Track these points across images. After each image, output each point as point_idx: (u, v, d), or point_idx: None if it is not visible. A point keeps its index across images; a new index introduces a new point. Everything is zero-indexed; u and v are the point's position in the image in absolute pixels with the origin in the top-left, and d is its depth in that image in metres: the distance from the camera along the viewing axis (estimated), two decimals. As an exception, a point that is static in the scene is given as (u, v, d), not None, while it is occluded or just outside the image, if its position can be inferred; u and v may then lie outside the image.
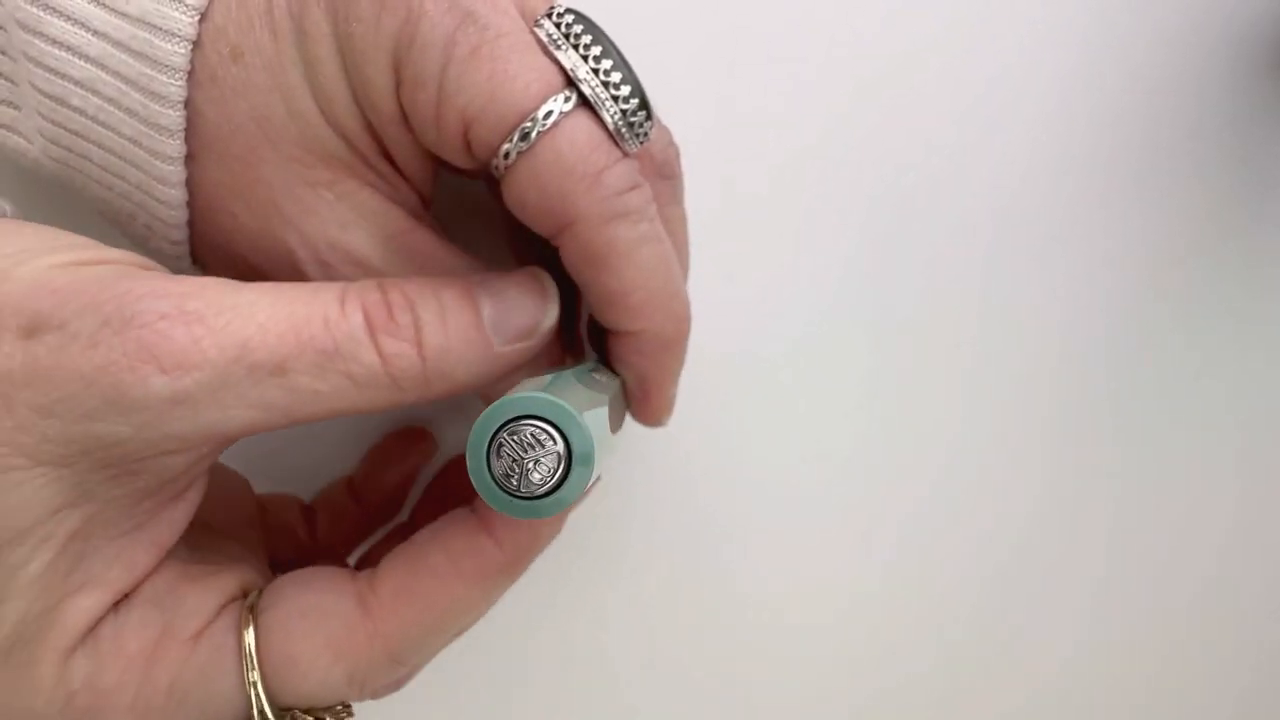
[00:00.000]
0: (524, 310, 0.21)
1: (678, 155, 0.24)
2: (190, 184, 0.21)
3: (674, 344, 0.22)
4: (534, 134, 0.19)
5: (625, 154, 0.20)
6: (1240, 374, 0.32)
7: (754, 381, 0.30)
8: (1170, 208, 0.30)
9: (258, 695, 0.19)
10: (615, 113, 0.20)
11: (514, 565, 0.21)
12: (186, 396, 0.17)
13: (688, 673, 0.31)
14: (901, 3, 0.29)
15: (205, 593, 0.20)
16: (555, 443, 0.17)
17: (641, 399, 0.23)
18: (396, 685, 0.23)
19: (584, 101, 0.20)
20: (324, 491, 0.28)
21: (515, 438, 0.17)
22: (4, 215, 0.20)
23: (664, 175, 0.23)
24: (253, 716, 0.19)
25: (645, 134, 0.20)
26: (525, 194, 0.20)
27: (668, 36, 0.28)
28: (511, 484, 0.17)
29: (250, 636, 0.19)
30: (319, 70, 0.20)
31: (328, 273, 0.21)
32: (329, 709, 0.20)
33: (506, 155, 0.19)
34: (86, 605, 0.18)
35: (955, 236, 0.30)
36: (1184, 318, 0.31)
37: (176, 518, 0.19)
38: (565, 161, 0.19)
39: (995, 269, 0.30)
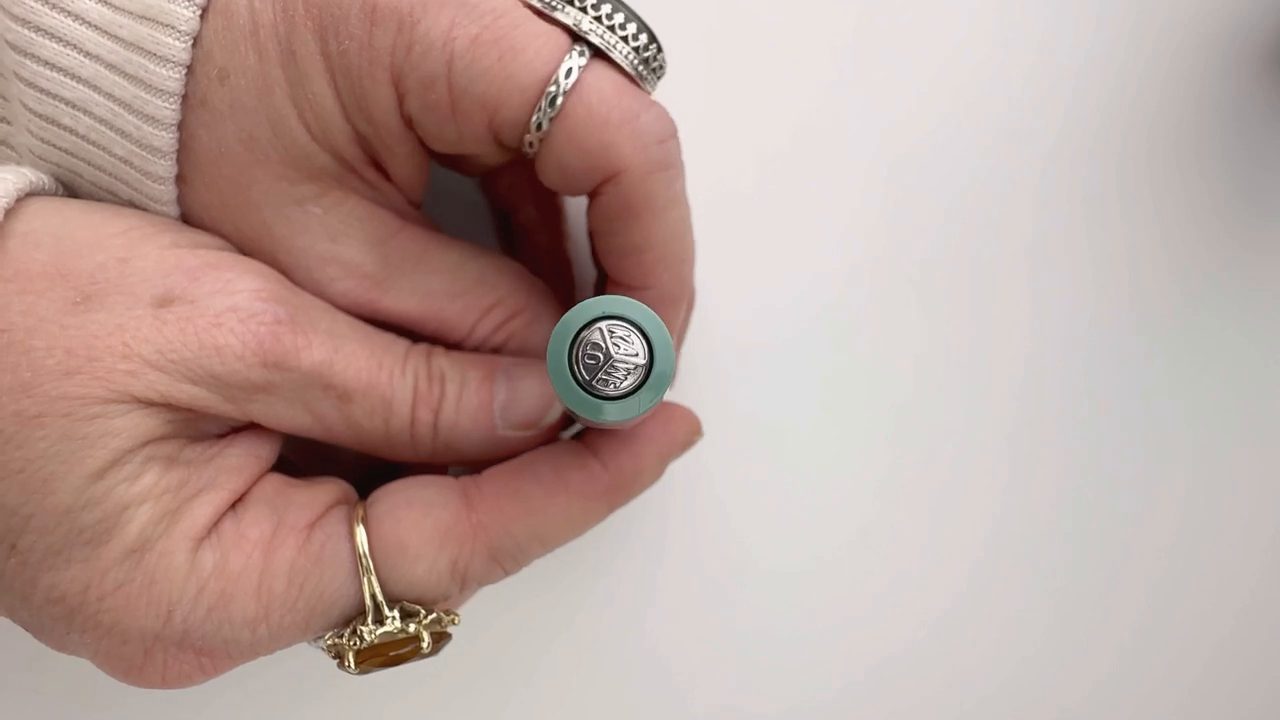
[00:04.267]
0: (532, 402, 0.22)
1: (675, 133, 0.23)
2: (180, 204, 0.21)
3: (675, 305, 0.23)
4: (559, 97, 0.19)
5: (649, 95, 0.21)
6: (1240, 373, 0.32)
7: (758, 376, 0.30)
8: (1170, 207, 0.30)
9: (370, 580, 0.20)
10: (629, 53, 0.20)
11: (616, 491, 0.22)
12: (273, 389, 0.20)
13: (692, 668, 0.31)
14: (905, 1, 0.29)
15: (313, 493, 0.21)
16: (639, 350, 0.17)
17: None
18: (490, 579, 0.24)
19: (597, 52, 0.20)
20: None
21: (607, 333, 0.17)
22: (49, 192, 0.21)
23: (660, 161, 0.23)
24: (366, 602, 0.20)
25: (662, 67, 0.21)
26: (567, 159, 0.20)
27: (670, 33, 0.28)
28: (587, 377, 0.17)
29: (360, 526, 0.20)
30: (306, 89, 0.20)
31: (323, 288, 0.21)
32: (436, 606, 0.21)
33: (539, 127, 0.19)
34: (206, 506, 0.19)
35: (955, 236, 0.30)
36: (1184, 317, 0.31)
37: (267, 435, 0.21)
38: (599, 114, 0.20)
39: (995, 269, 0.30)
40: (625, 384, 0.17)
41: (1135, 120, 0.30)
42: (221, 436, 0.20)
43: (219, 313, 0.19)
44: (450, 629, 0.21)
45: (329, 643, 0.20)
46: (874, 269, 0.30)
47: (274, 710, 0.29)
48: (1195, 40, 0.29)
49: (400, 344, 0.22)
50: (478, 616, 0.30)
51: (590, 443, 0.22)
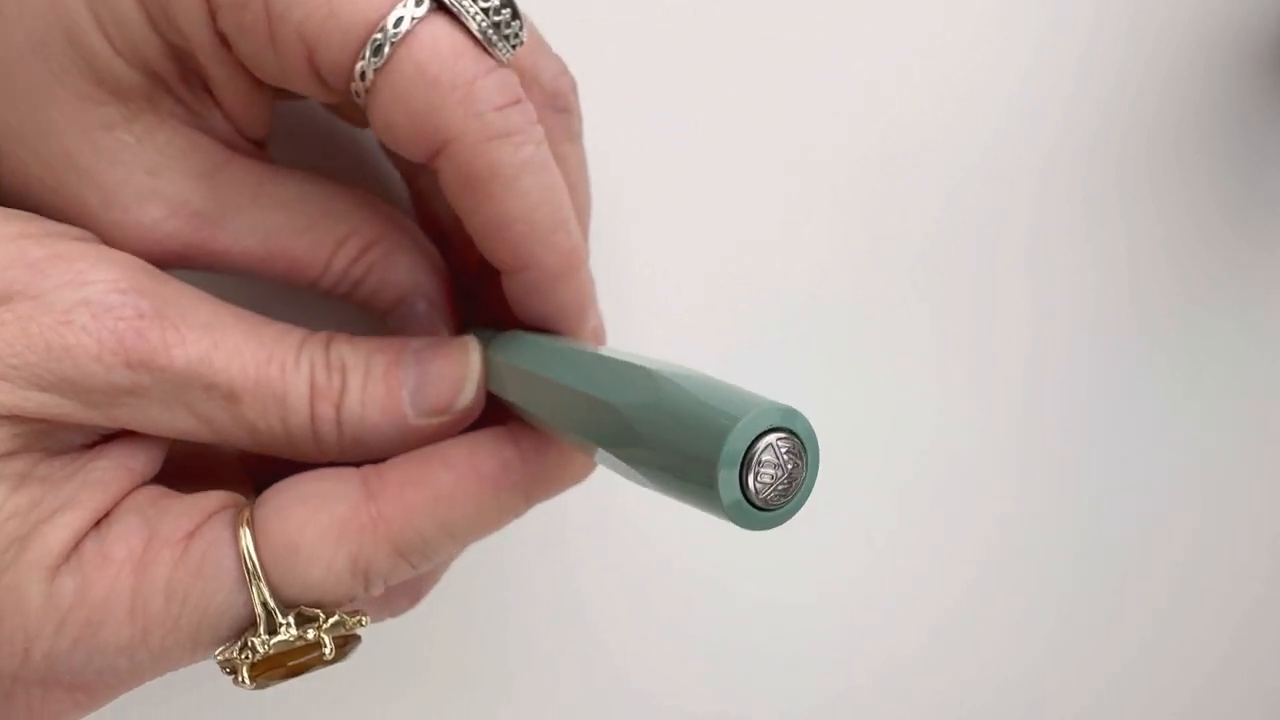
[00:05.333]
0: (445, 384, 0.20)
1: (574, 87, 0.22)
2: None
3: (563, 279, 0.20)
4: (386, 46, 0.17)
5: (499, 63, 0.19)
6: (1240, 372, 0.32)
7: (756, 376, 0.30)
8: (1170, 206, 0.30)
9: (259, 587, 0.18)
10: (476, 13, 0.18)
11: (534, 483, 0.20)
12: (142, 391, 0.18)
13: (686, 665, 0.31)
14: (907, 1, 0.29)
15: (192, 501, 0.19)
16: (804, 467, 0.15)
17: (564, 328, 0.22)
18: (411, 598, 0.22)
19: (440, 6, 0.18)
20: None
21: (780, 450, 0.15)
22: None
23: (557, 108, 0.21)
24: (256, 611, 0.18)
25: (516, 37, 0.19)
26: (393, 118, 0.18)
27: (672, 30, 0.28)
28: (761, 496, 0.15)
29: (246, 529, 0.19)
30: None
31: (146, 232, 0.19)
32: (339, 608, 0.19)
33: (362, 75, 0.18)
34: (61, 530, 0.18)
35: (954, 235, 0.30)
36: (1183, 315, 0.31)
37: (143, 443, 0.19)
38: (429, 73, 0.18)
39: (994, 269, 0.30)
40: (790, 501, 0.15)
41: (1135, 120, 0.30)
42: (90, 447, 0.19)
43: (67, 309, 0.17)
44: (359, 630, 0.20)
45: (220, 658, 0.19)
46: (874, 269, 0.30)
47: (274, 710, 0.29)
48: (1195, 40, 0.29)
49: (294, 333, 0.20)
50: (481, 618, 0.30)
51: (513, 430, 0.20)
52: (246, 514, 0.19)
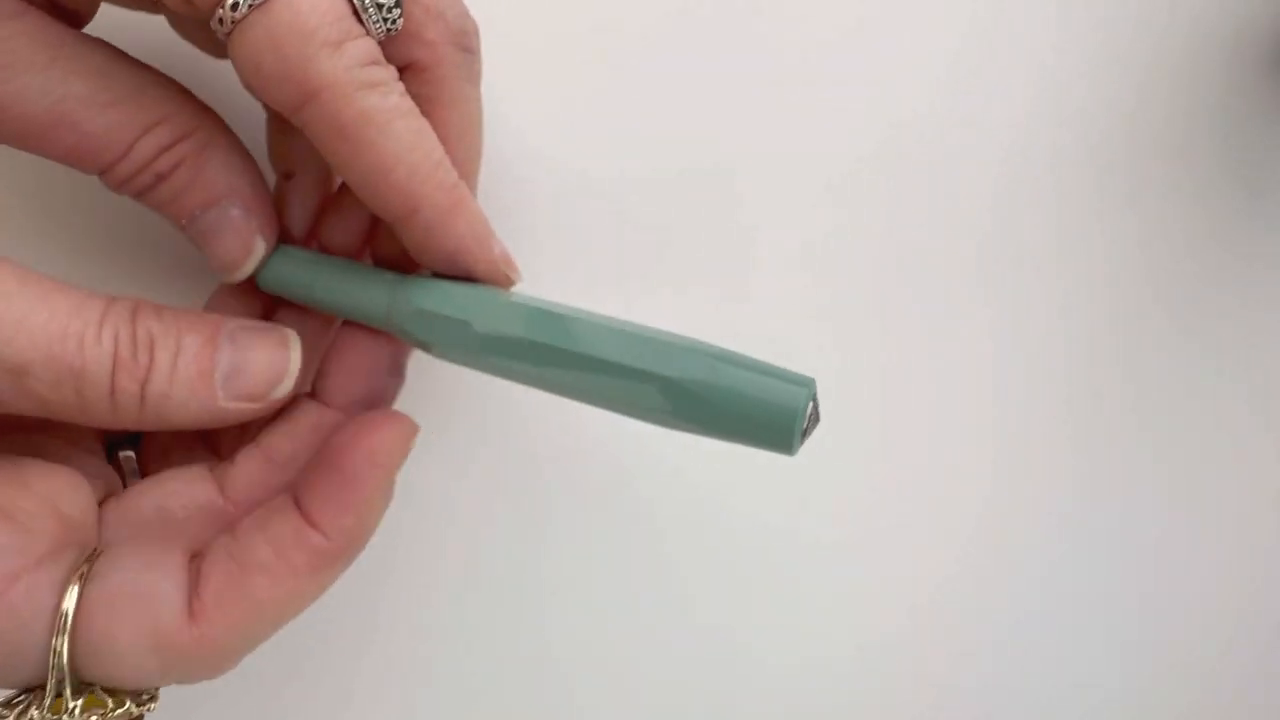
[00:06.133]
0: (263, 372, 0.20)
1: (476, 31, 0.22)
2: None
3: (455, 213, 0.21)
4: None
5: (368, 34, 0.19)
6: (1241, 372, 0.32)
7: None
8: (1169, 206, 0.30)
9: (59, 664, 0.18)
10: None
11: (344, 552, 0.20)
12: None
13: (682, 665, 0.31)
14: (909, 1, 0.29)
15: (26, 538, 0.18)
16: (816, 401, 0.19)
17: (471, 277, 0.22)
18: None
19: None
20: None
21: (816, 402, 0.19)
22: None
23: (462, 47, 0.22)
24: (47, 681, 0.18)
25: (393, 23, 0.20)
26: (261, 57, 0.18)
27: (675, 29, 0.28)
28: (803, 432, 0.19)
29: (71, 601, 0.18)
30: None
31: None
32: (133, 692, 0.19)
33: (235, 7, 0.18)
34: None
35: (953, 235, 0.30)
36: (1183, 316, 0.31)
37: None
38: (306, 24, 0.18)
39: (993, 269, 0.30)
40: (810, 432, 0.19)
41: (1135, 120, 0.30)
42: None
43: None
44: (146, 713, 0.19)
45: None
46: (875, 269, 0.30)
47: (271, 709, 0.29)
48: (1195, 40, 0.29)
49: (96, 301, 0.18)
50: (483, 618, 0.29)
51: (303, 503, 0.20)
52: (82, 570, 0.18)
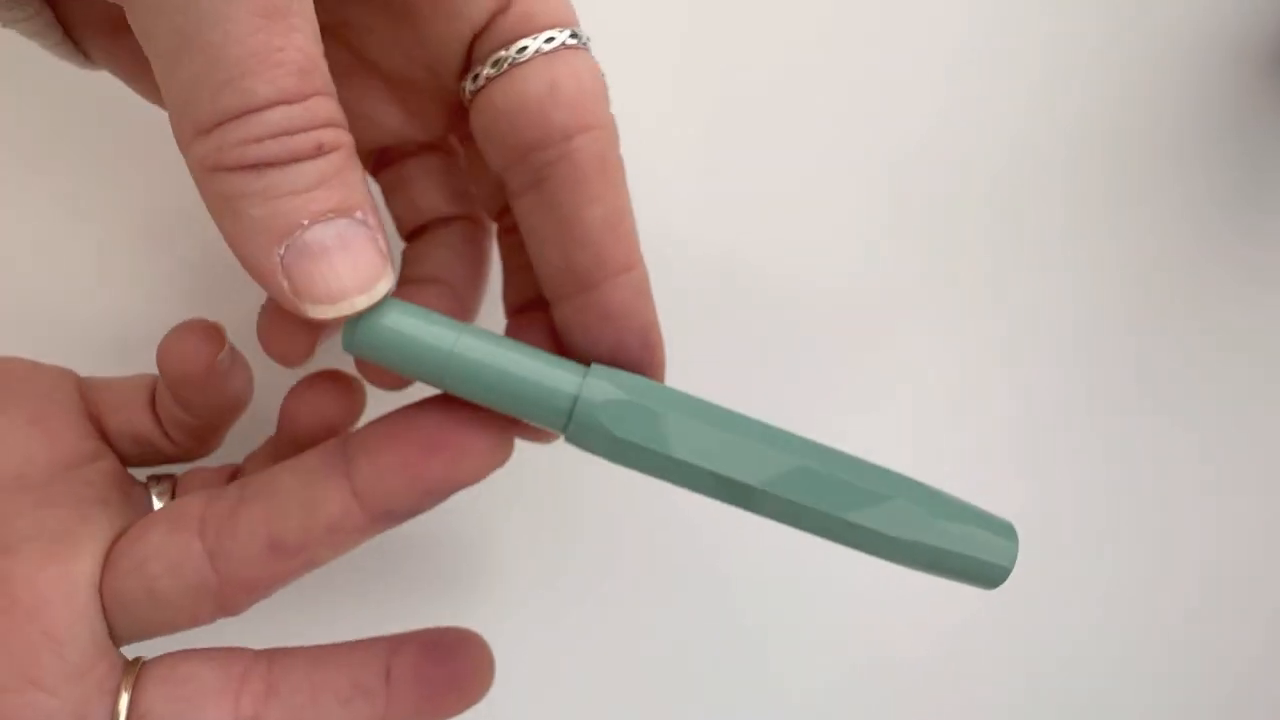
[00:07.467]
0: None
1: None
2: None
3: (646, 294, 0.19)
4: (578, 41, 0.18)
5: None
6: (1241, 372, 0.32)
7: (753, 376, 0.30)
8: (1169, 206, 0.30)
9: None
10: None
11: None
12: None
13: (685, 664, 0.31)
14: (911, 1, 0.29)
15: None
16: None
17: (648, 351, 0.19)
18: None
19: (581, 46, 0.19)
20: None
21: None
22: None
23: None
24: None
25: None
26: (541, 91, 0.18)
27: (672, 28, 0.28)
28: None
29: (126, 694, 0.18)
30: None
31: None
32: None
33: (522, 49, 0.18)
34: None
35: (953, 236, 0.30)
36: (1183, 316, 0.31)
37: None
38: (588, 77, 0.18)
39: (994, 269, 0.30)
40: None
41: (1135, 120, 0.30)
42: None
43: None
44: None
45: None
46: (876, 268, 0.30)
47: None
48: (1195, 40, 0.30)
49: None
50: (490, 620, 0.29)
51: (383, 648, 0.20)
52: (133, 675, 0.19)
